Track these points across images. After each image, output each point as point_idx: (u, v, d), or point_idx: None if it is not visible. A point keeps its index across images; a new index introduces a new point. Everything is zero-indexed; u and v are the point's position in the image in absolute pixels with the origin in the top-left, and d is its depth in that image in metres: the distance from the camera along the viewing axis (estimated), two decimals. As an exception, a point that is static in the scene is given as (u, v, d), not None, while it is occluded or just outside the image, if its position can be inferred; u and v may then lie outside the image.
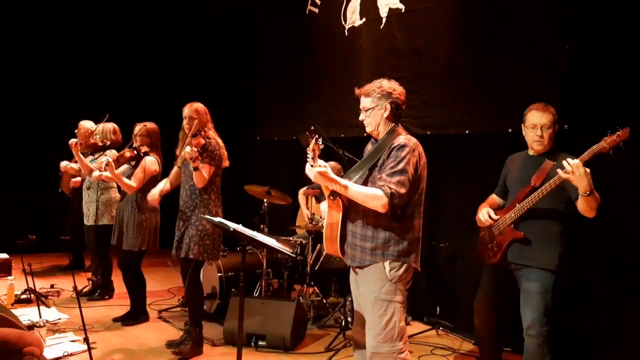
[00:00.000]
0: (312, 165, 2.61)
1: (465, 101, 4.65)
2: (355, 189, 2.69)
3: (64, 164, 5.76)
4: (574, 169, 2.83)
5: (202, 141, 4.00)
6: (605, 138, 2.85)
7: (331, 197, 2.80)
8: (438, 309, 4.97)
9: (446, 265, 5.00)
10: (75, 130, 5.81)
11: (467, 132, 4.62)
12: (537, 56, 4.10)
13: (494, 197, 3.60)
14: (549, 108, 3.26)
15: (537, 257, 3.20)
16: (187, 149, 3.83)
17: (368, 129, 2.91)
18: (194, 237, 4.01)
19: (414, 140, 2.80)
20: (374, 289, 2.77)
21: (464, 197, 4.62)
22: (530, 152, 3.36)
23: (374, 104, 2.83)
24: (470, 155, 4.70)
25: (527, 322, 3.24)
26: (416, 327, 4.94)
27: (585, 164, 2.86)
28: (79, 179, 5.78)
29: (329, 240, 2.90)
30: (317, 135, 2.62)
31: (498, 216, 3.35)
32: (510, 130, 4.23)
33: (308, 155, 2.60)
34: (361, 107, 2.89)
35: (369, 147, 3.00)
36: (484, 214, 3.42)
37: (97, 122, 5.56)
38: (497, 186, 3.60)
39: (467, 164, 4.72)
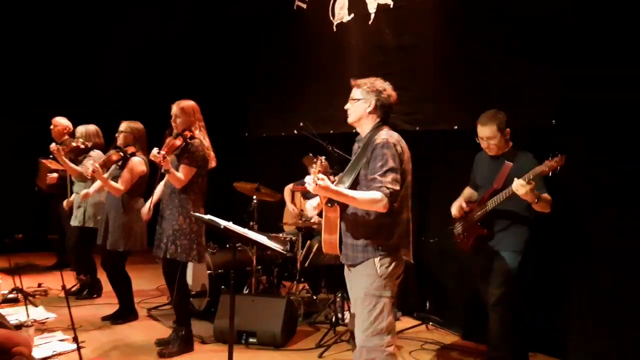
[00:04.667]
0: (314, 182, 2.56)
1: (455, 97, 4.66)
2: (357, 198, 2.68)
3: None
4: (518, 189, 3.24)
5: (177, 143, 3.93)
6: (546, 162, 3.16)
7: (328, 204, 2.82)
8: (428, 304, 5.00)
9: (436, 260, 5.02)
10: (51, 127, 5.77)
11: (457, 127, 4.63)
12: (526, 51, 4.11)
13: (469, 190, 3.95)
14: (493, 119, 3.57)
15: (504, 241, 3.57)
16: (154, 151, 3.79)
17: (349, 119, 2.96)
18: (170, 236, 3.96)
19: (395, 135, 2.84)
20: (364, 285, 2.80)
21: (454, 193, 4.62)
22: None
23: (361, 97, 2.89)
24: (459, 151, 4.71)
25: (493, 298, 3.54)
26: (406, 322, 4.96)
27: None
28: (55, 174, 5.72)
29: (327, 240, 2.89)
30: (320, 157, 2.69)
31: (468, 208, 3.77)
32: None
33: (311, 172, 2.61)
34: (350, 96, 2.95)
35: (356, 147, 3.03)
36: (457, 207, 3.84)
37: (76, 120, 5.51)
38: (470, 180, 3.93)
39: (457, 159, 4.73)
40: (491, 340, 3.63)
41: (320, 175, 2.59)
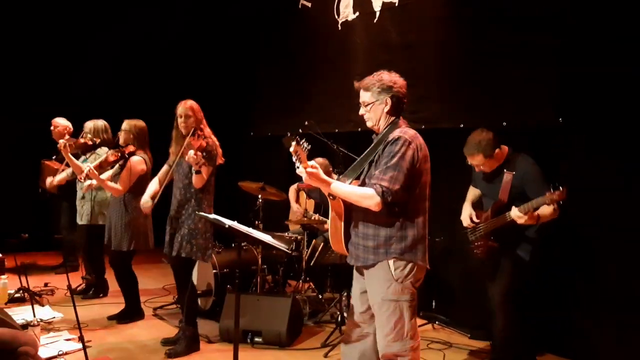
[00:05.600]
0: (298, 167, 2.56)
1: (460, 95, 4.65)
2: (345, 190, 2.64)
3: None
4: (517, 220, 3.30)
5: (205, 144, 3.92)
6: (547, 194, 3.14)
7: (331, 197, 2.75)
8: (434, 304, 4.98)
9: (441, 259, 4.98)
10: (51, 128, 5.78)
11: (462, 125, 4.61)
12: (531, 49, 4.10)
13: (473, 191, 3.89)
14: (477, 149, 3.51)
15: (513, 242, 3.51)
16: (191, 152, 3.76)
17: (369, 124, 2.82)
18: (186, 235, 3.98)
19: (410, 132, 2.70)
20: (381, 290, 2.69)
21: (459, 191, 4.61)
22: None
23: (374, 99, 2.73)
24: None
25: (499, 297, 3.51)
26: (412, 321, 4.94)
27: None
28: (64, 175, 5.73)
29: (334, 239, 2.85)
30: (298, 137, 2.56)
31: (478, 220, 3.69)
32: (504, 123, 4.24)
33: (293, 158, 2.56)
34: (361, 101, 2.79)
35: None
36: (466, 218, 3.76)
37: (78, 120, 5.50)
38: (472, 179, 3.88)
39: (462, 157, 4.71)
40: (496, 340, 3.61)
41: (311, 163, 2.55)
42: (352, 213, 2.78)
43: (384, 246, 2.66)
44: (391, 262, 2.66)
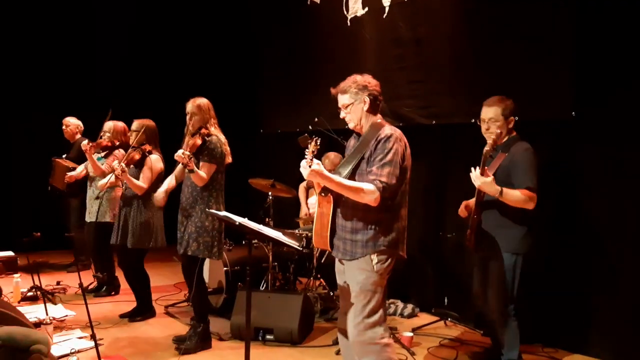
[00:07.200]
0: (310, 165, 2.65)
1: (471, 90, 4.60)
2: (350, 187, 2.73)
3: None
4: (474, 180, 3.20)
5: (199, 142, 3.95)
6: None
7: (322, 194, 2.86)
8: (446, 300, 4.95)
9: (454, 255, 4.96)
10: (63, 127, 5.80)
11: (473, 121, 4.56)
12: (542, 43, 4.06)
13: None
14: (498, 102, 3.47)
15: (498, 242, 3.41)
16: (179, 152, 3.80)
17: (351, 125, 2.97)
18: (193, 233, 3.99)
19: (398, 131, 2.85)
20: (359, 279, 2.81)
21: (471, 187, 4.57)
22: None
23: (353, 99, 2.89)
24: (476, 145, 4.63)
25: (493, 301, 3.47)
26: (424, 318, 4.91)
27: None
28: (73, 173, 5.74)
29: (318, 234, 2.95)
30: (316, 137, 2.68)
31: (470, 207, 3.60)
32: (516, 118, 4.19)
33: (306, 156, 2.66)
34: (340, 105, 2.94)
35: (352, 142, 3.04)
36: (461, 208, 3.72)
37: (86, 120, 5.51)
38: None
39: (474, 153, 4.65)
40: (503, 342, 3.53)
41: (316, 160, 2.64)
42: (340, 209, 2.89)
43: (373, 239, 2.79)
44: (374, 255, 2.77)
